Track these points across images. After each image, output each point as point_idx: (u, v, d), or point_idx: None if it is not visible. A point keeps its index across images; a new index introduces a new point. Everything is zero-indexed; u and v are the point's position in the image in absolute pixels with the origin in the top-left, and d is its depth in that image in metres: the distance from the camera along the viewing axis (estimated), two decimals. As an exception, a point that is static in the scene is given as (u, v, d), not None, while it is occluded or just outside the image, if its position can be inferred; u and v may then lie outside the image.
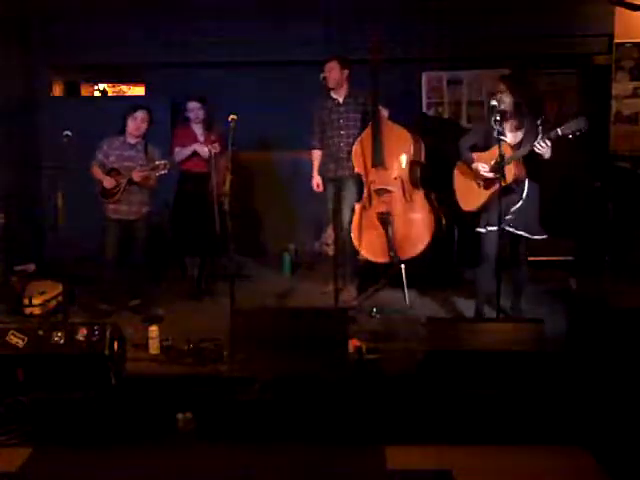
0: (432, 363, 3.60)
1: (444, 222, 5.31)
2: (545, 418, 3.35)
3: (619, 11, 5.92)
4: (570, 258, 5.98)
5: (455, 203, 4.80)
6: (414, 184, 5.21)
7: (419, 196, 5.18)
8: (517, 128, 4.50)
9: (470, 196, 4.65)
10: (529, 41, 6.13)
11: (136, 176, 4.91)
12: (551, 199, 4.62)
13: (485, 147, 4.56)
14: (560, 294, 5.09)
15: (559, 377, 3.64)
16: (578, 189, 6.13)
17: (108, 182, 4.95)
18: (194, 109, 5.46)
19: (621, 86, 6.13)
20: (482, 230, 4.60)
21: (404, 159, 5.17)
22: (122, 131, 5.07)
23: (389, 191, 5.17)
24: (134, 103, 5.23)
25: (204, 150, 5.29)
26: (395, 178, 5.17)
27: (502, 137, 4.34)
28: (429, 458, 3.10)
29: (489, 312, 4.69)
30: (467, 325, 3.81)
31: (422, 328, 3.86)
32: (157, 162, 4.94)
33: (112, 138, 5.07)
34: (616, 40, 6.05)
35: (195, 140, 5.45)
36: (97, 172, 5.01)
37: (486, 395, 3.46)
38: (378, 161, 5.13)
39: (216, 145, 5.01)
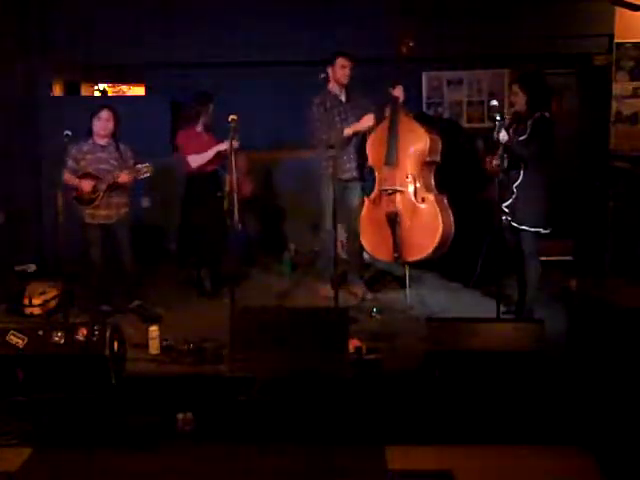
0: (432, 363, 3.60)
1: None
2: (545, 418, 3.35)
3: (619, 11, 5.91)
4: (570, 258, 5.98)
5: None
6: (427, 185, 4.95)
7: (430, 198, 4.88)
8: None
9: None
10: (529, 41, 6.13)
11: (122, 179, 4.82)
12: (551, 199, 4.61)
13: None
14: (560, 294, 5.09)
15: (559, 377, 3.64)
16: (578, 189, 6.12)
17: (86, 185, 4.83)
18: (210, 111, 5.22)
19: (621, 86, 6.12)
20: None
21: (418, 159, 4.87)
22: (89, 133, 4.95)
23: (399, 191, 4.90)
24: (99, 104, 5.15)
25: (225, 147, 4.82)
26: (407, 178, 4.88)
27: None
28: (429, 458, 3.09)
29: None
30: (467, 325, 3.80)
31: (422, 328, 3.86)
32: (140, 165, 4.85)
33: (80, 143, 4.91)
34: (616, 40, 6.04)
35: (208, 142, 5.19)
36: (70, 179, 4.86)
37: (486, 395, 3.46)
38: (391, 160, 4.87)
39: (235, 141, 4.63)
